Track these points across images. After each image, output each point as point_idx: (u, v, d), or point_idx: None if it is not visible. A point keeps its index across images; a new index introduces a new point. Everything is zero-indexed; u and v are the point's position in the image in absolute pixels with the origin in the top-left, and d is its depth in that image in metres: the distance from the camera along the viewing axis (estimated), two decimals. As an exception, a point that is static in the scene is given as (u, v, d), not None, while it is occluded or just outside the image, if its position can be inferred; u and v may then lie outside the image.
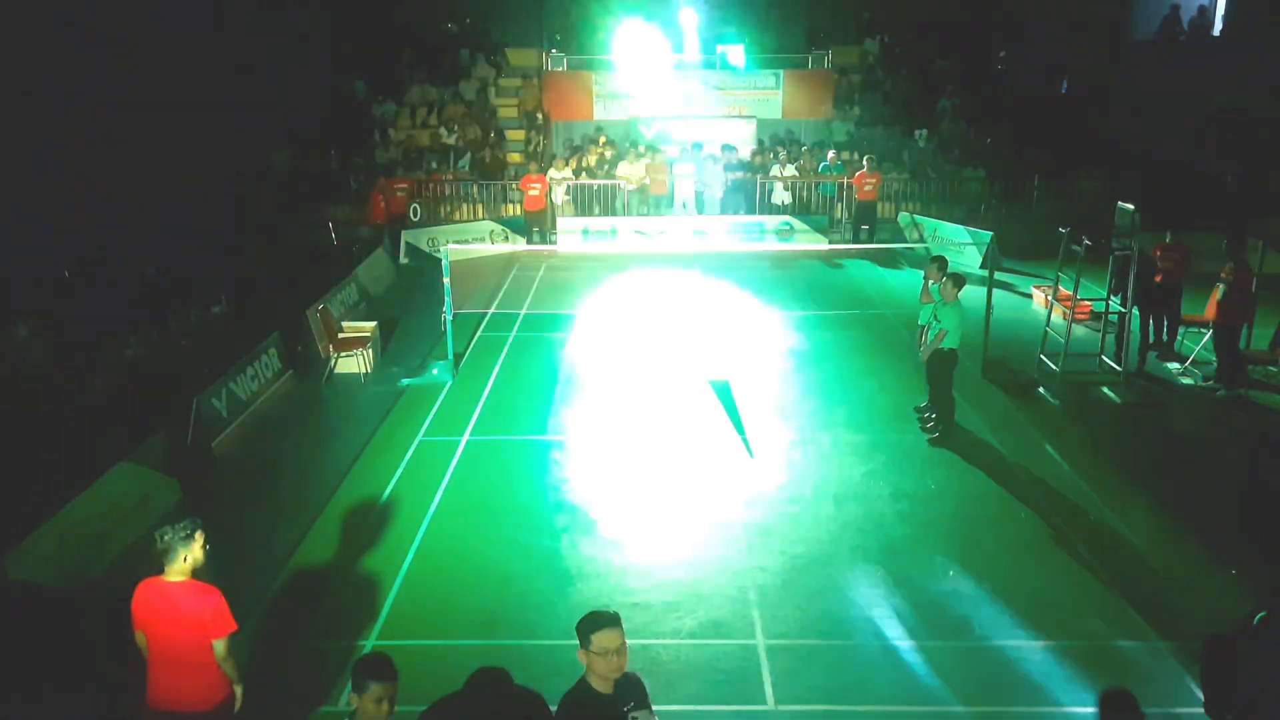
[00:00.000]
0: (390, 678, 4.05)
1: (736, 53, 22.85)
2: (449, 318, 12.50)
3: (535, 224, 19.61)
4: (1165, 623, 7.03)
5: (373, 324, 13.35)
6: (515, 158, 22.29)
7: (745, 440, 10.34)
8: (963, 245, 18.16)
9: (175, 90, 17.37)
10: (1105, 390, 11.57)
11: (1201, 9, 21.37)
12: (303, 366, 12.63)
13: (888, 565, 7.88)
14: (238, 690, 5.10)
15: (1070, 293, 12.20)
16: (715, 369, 12.39)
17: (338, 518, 8.78)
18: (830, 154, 20.92)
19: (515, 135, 22.98)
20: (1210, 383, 11.66)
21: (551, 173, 20.17)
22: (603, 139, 21.87)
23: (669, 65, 22.59)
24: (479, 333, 14.27)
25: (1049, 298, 13.25)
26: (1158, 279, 12.35)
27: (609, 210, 20.52)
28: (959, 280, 10.15)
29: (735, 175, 20.72)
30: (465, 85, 23.69)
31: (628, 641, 4.00)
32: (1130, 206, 11.47)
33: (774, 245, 19.34)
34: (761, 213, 20.39)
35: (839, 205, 20.59)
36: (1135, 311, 12.02)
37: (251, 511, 8.94)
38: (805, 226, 19.80)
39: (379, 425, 10.86)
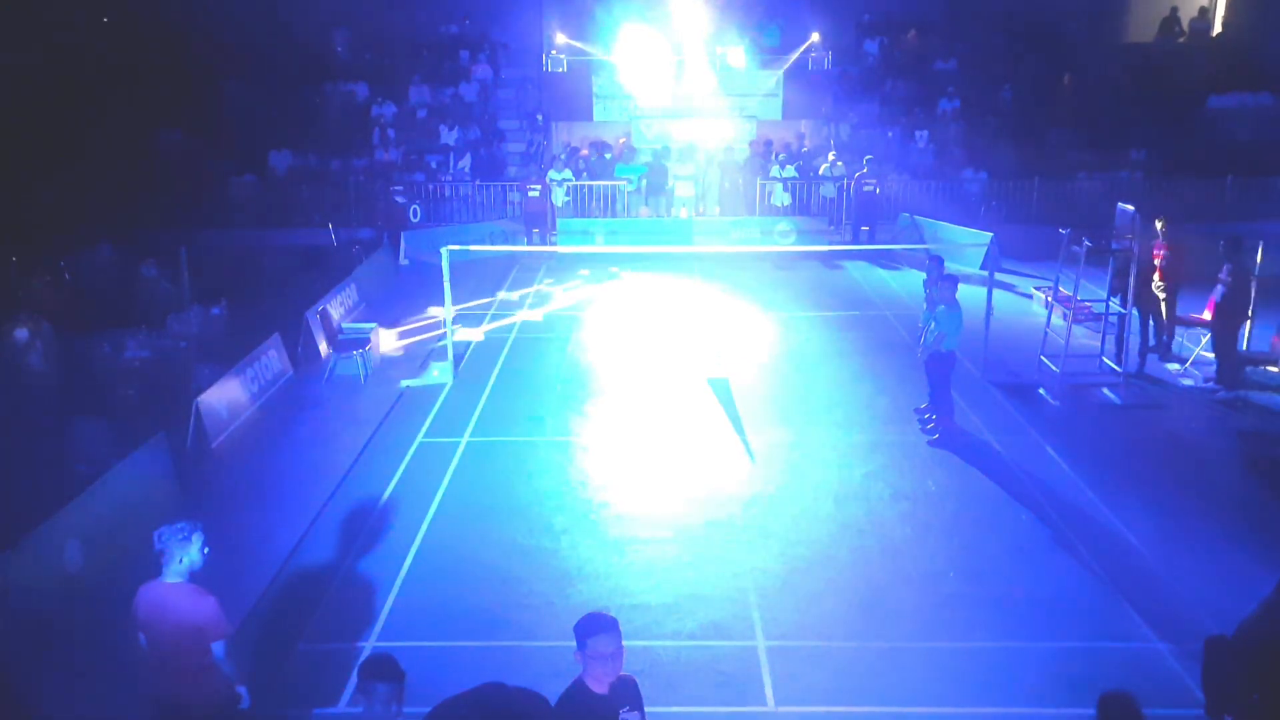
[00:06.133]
0: (397, 679, 4.07)
1: (737, 53, 22.83)
2: (449, 319, 12.49)
3: (535, 225, 19.60)
4: (1165, 624, 7.01)
5: (372, 325, 13.35)
6: (514, 158, 22.28)
7: (745, 441, 10.33)
8: (963, 247, 18.14)
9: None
10: (1105, 391, 11.57)
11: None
12: (302, 368, 12.62)
13: (888, 566, 7.88)
14: (242, 691, 5.10)
15: (1070, 294, 12.19)
16: (715, 369, 12.39)
17: (337, 519, 8.77)
18: (830, 155, 20.91)
19: (515, 136, 22.98)
20: (1210, 384, 11.65)
21: (551, 174, 20.15)
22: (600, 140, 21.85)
23: (669, 66, 22.56)
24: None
25: (1049, 299, 13.23)
26: (1157, 276, 12.33)
27: (609, 211, 20.51)
28: (953, 280, 10.15)
29: (735, 176, 20.69)
30: (465, 86, 23.68)
31: (627, 643, 4.02)
32: (1130, 207, 11.47)
33: (774, 246, 19.33)
34: (761, 214, 20.38)
35: (839, 207, 20.57)
36: (1135, 312, 12.01)
37: (251, 513, 8.92)
38: (805, 227, 19.78)
39: (379, 427, 10.85)
